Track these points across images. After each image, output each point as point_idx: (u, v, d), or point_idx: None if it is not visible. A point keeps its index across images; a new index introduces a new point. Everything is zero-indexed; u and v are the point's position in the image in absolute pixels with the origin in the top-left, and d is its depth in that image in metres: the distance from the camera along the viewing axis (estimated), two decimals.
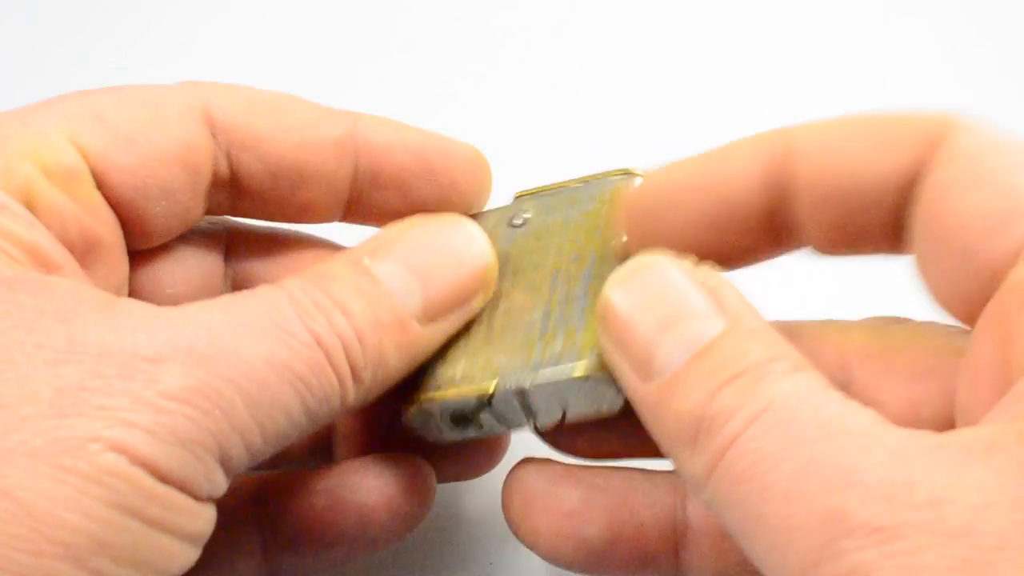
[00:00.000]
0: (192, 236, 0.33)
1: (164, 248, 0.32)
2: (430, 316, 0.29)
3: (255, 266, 0.34)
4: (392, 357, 0.29)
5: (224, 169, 0.31)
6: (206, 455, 0.25)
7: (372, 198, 0.33)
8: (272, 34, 0.52)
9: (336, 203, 0.33)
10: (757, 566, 0.23)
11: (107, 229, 0.30)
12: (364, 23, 0.51)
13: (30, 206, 0.28)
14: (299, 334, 0.27)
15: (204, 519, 0.26)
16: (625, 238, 0.30)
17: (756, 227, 0.28)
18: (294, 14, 0.52)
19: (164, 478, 0.24)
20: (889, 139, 0.27)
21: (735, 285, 0.27)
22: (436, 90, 0.49)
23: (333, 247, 0.34)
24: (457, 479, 0.35)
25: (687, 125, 0.47)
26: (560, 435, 0.31)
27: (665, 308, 0.26)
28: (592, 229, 0.31)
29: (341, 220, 0.34)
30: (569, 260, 0.31)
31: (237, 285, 0.33)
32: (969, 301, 0.26)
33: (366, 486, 0.32)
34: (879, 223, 0.27)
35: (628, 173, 0.32)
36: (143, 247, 0.32)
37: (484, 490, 0.37)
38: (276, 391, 0.26)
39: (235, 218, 0.34)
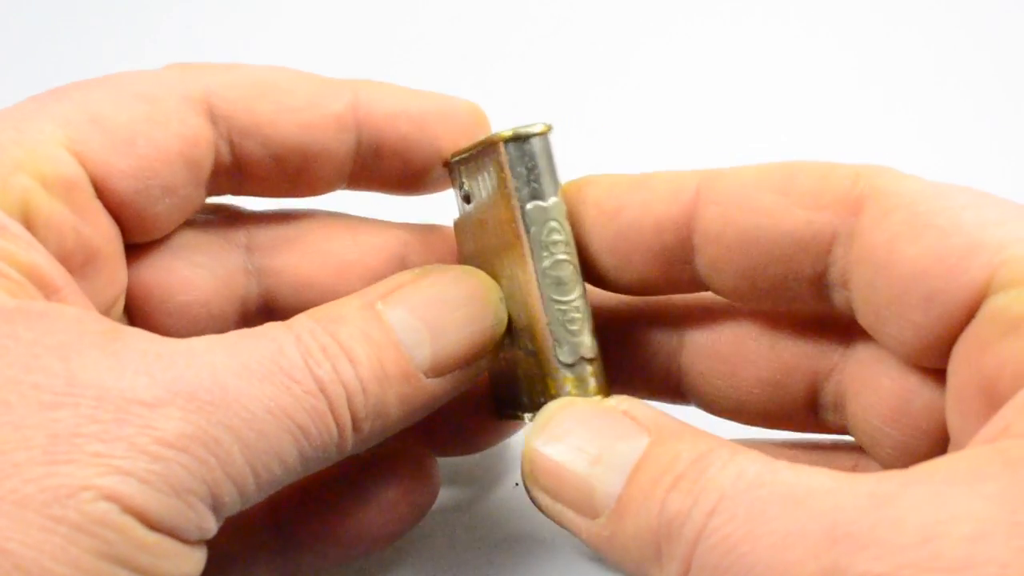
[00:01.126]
0: (207, 236, 0.33)
1: (176, 252, 0.32)
2: (437, 371, 0.28)
3: (279, 259, 0.33)
4: (394, 409, 0.28)
5: (227, 157, 0.31)
6: (199, 503, 0.25)
7: (375, 167, 0.32)
8: (273, 28, 0.51)
9: (340, 176, 0.32)
10: None
11: (105, 239, 0.29)
12: (366, 21, 0.51)
13: (27, 220, 0.27)
14: (303, 381, 0.26)
15: (194, 560, 0.25)
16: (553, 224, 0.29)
17: (661, 262, 0.29)
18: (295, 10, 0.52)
19: (155, 526, 0.24)
20: (802, 196, 0.27)
21: (643, 401, 0.27)
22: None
23: (355, 223, 0.34)
24: (458, 454, 0.36)
25: (685, 126, 0.47)
26: None
27: (588, 443, 0.26)
28: (509, 215, 0.29)
29: (345, 188, 0.33)
30: (506, 248, 0.30)
31: (262, 280, 0.33)
32: (939, 341, 0.26)
33: (386, 481, 0.32)
34: (795, 279, 0.28)
35: (497, 140, 0.29)
36: (143, 241, 0.31)
37: (485, 490, 0.37)
38: (275, 439, 0.25)
39: (249, 207, 0.34)
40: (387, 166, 0.32)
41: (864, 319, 0.27)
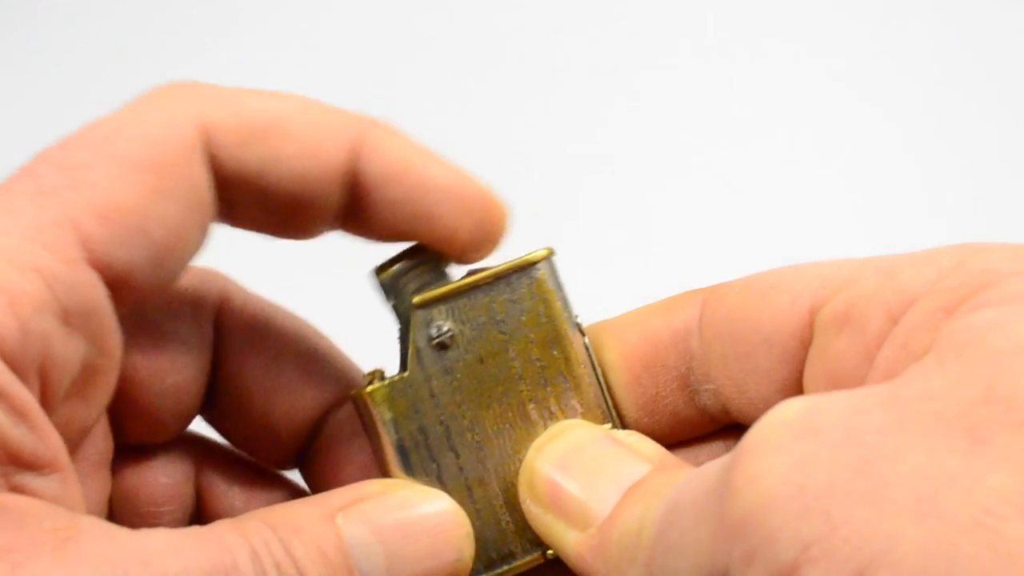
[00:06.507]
0: (183, 324, 0.30)
1: (160, 339, 0.30)
2: None
3: (238, 363, 0.31)
4: None
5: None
6: None
7: (363, 222, 0.29)
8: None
9: (329, 224, 0.29)
10: None
11: (114, 353, 0.27)
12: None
13: (44, 370, 0.25)
14: None
15: None
16: (586, 339, 0.30)
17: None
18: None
19: None
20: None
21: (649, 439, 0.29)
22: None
23: (307, 357, 0.32)
24: None
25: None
26: None
27: (592, 462, 0.28)
28: (544, 341, 0.30)
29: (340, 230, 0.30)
30: (537, 384, 0.30)
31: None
32: (790, 382, 0.27)
33: None
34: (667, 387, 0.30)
35: (538, 260, 0.30)
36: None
37: None
38: None
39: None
40: (375, 225, 0.29)
41: (730, 399, 0.29)
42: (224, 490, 0.32)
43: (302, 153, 0.28)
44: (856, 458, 0.20)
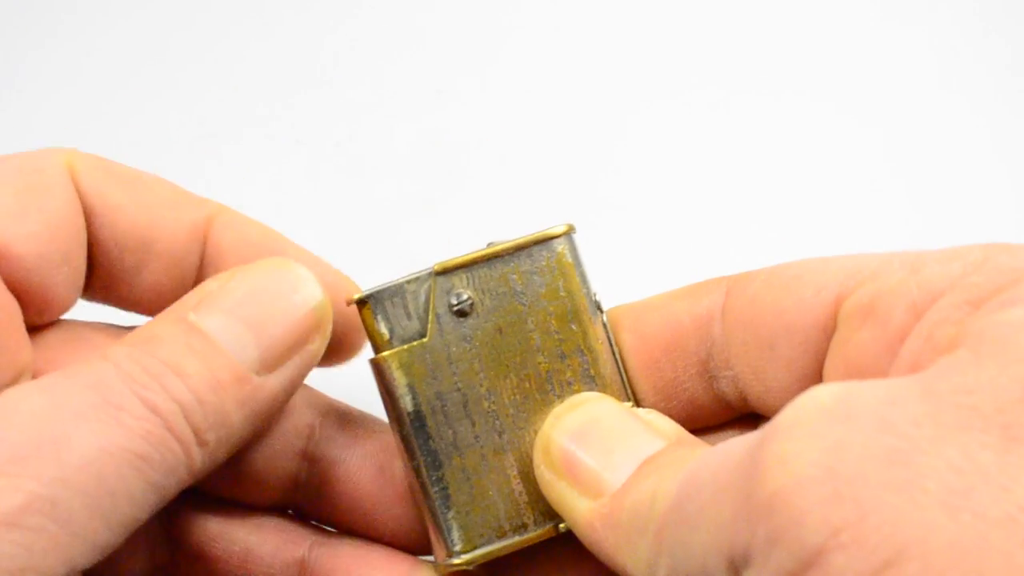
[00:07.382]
0: (114, 332, 0.31)
1: (90, 343, 0.30)
2: (268, 366, 0.28)
3: None
4: (235, 414, 0.27)
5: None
6: None
7: None
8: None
9: (182, 287, 0.31)
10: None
11: (3, 313, 0.27)
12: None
13: None
14: (133, 408, 0.25)
15: None
16: (605, 317, 0.31)
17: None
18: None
19: None
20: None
21: (667, 418, 0.29)
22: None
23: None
24: None
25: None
26: None
27: (609, 435, 0.28)
28: (563, 314, 0.30)
29: None
30: (555, 357, 0.30)
31: None
32: (811, 372, 0.27)
33: None
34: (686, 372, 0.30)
35: (559, 235, 0.30)
36: (43, 320, 0.29)
37: None
38: (116, 478, 0.24)
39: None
40: None
41: (749, 386, 0.29)
42: (200, 523, 0.32)
43: (161, 202, 0.30)
44: (890, 447, 0.20)
